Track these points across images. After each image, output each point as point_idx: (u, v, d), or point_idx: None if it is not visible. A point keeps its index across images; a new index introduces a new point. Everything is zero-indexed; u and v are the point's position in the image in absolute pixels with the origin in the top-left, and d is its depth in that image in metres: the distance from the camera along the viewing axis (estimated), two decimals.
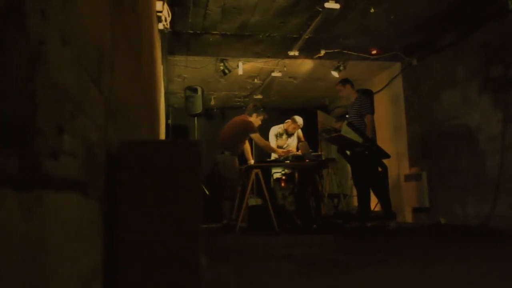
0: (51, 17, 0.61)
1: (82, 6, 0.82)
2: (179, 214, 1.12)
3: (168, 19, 4.42)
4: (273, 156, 5.96)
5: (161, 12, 3.95)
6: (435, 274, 2.01)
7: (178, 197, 1.12)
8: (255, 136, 5.47)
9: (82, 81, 0.82)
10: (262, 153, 6.75)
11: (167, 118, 8.71)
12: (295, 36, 5.42)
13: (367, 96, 5.58)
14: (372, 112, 5.18)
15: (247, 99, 8.27)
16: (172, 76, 6.99)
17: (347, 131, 4.66)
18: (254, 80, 7.20)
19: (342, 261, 2.54)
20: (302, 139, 6.20)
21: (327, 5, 4.47)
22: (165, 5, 4.24)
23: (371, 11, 4.73)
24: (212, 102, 8.35)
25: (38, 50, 0.56)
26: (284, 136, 6.17)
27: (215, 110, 8.86)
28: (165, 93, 7.56)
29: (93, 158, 0.95)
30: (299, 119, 6.03)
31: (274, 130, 6.23)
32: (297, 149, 6.04)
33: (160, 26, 4.38)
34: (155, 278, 1.08)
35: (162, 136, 7.36)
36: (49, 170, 0.60)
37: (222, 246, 3.70)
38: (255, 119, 5.62)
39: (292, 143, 6.17)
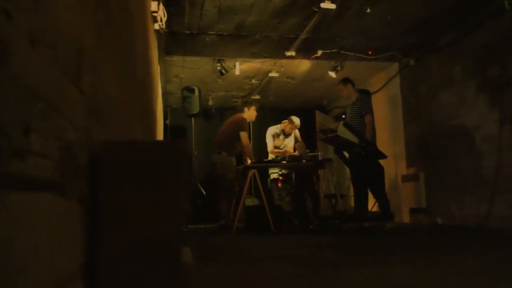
0: (17, 17, 0.60)
1: (57, 6, 0.81)
2: (162, 215, 1.11)
3: (164, 19, 4.42)
4: (270, 156, 5.97)
5: (156, 12, 3.95)
6: (430, 274, 2.01)
7: (161, 198, 1.11)
8: (243, 134, 5.41)
9: (57, 81, 0.82)
10: (262, 153, 6.75)
11: (165, 118, 8.71)
12: (291, 36, 5.41)
13: (367, 96, 5.58)
14: (372, 112, 5.17)
15: (245, 100, 8.26)
16: (169, 76, 6.98)
17: (343, 132, 4.65)
18: (251, 80, 7.19)
19: (337, 262, 2.53)
20: (300, 139, 6.19)
21: (323, 5, 4.46)
22: (161, 5, 4.23)
23: (367, 11, 4.72)
24: (210, 103, 8.35)
25: (1, 50, 0.56)
26: (281, 137, 6.17)
27: (213, 110, 8.86)
28: (163, 93, 7.56)
29: (72, 158, 0.94)
30: (296, 120, 6.02)
31: (271, 130, 6.22)
32: (294, 149, 6.04)
33: (156, 26, 4.37)
34: (137, 280, 1.08)
35: (160, 136, 7.36)
36: (13, 171, 0.60)
37: (217, 246, 3.69)
38: (249, 112, 5.62)
39: (289, 144, 6.16)
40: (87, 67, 1.08)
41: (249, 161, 5.59)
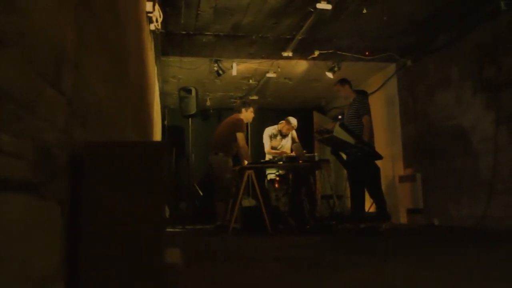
0: None
1: (31, 8, 0.81)
2: (143, 215, 1.11)
3: (160, 20, 4.42)
4: (267, 157, 5.96)
5: (151, 12, 3.95)
6: (424, 275, 2.00)
7: (142, 198, 1.11)
8: (240, 135, 5.39)
9: (31, 81, 0.82)
10: (259, 154, 6.75)
11: (163, 119, 8.71)
12: (288, 37, 5.42)
13: (365, 97, 5.57)
14: (369, 113, 5.15)
15: (243, 100, 8.26)
16: (167, 77, 6.99)
17: (339, 132, 4.65)
18: (249, 81, 7.19)
19: (331, 262, 2.53)
20: (297, 140, 6.19)
21: (319, 5, 4.46)
22: (156, 6, 4.23)
23: (363, 11, 4.72)
24: (208, 103, 8.36)
25: None
26: (278, 137, 6.17)
27: (211, 111, 8.86)
28: (161, 93, 7.56)
29: (49, 159, 0.94)
30: (293, 120, 6.02)
31: (268, 131, 6.22)
32: (292, 150, 6.04)
33: (152, 26, 4.38)
34: (118, 280, 1.08)
35: (158, 137, 7.36)
36: None
37: (212, 247, 3.69)
38: (246, 114, 5.60)
39: (286, 144, 6.16)
40: (68, 68, 1.08)
41: (245, 162, 5.59)
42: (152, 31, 4.57)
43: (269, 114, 8.19)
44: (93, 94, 1.48)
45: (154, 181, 1.15)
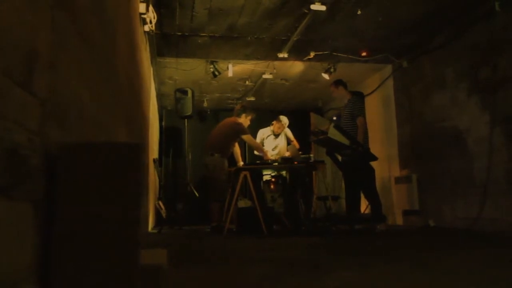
0: None
1: None
2: (118, 216, 1.11)
3: (154, 21, 4.42)
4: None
5: (144, 14, 3.95)
6: (410, 276, 2.00)
7: (115, 199, 1.11)
8: (247, 137, 5.54)
9: None
10: (256, 155, 6.74)
11: (160, 120, 8.72)
12: (283, 38, 5.42)
13: (360, 98, 5.57)
14: (364, 114, 5.15)
15: (240, 101, 8.26)
16: (163, 78, 6.99)
17: (333, 133, 4.64)
18: (245, 82, 7.19)
19: (321, 264, 2.53)
20: (292, 138, 6.20)
21: (313, 7, 4.46)
22: (150, 7, 4.23)
23: (358, 13, 4.72)
24: (205, 104, 8.36)
25: None
26: (272, 137, 6.18)
27: (208, 112, 8.86)
28: (157, 95, 7.56)
29: (19, 161, 0.94)
30: (283, 118, 6.06)
31: (261, 133, 6.25)
32: (288, 147, 6.06)
33: (146, 28, 4.38)
34: (91, 281, 1.07)
35: (155, 138, 7.37)
36: None
37: (205, 248, 3.69)
38: (244, 120, 5.63)
39: (280, 144, 6.16)
40: (42, 68, 1.08)
41: (241, 164, 5.61)
42: (147, 32, 4.57)
43: (267, 115, 8.18)
44: (75, 95, 1.47)
45: (129, 181, 1.14)
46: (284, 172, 5.87)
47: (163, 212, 6.22)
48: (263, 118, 7.63)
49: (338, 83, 5.34)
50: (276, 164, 5.37)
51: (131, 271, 1.08)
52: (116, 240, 1.10)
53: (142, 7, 3.85)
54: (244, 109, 5.71)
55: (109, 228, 1.10)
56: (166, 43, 5.53)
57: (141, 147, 1.15)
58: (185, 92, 6.40)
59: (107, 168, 1.14)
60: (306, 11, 4.65)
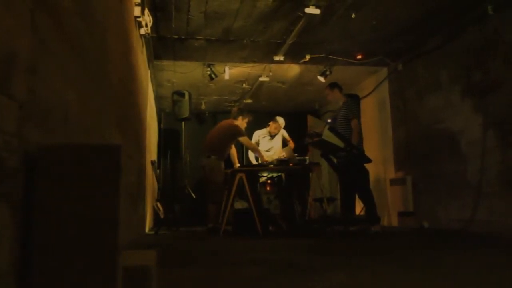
0: None
1: None
2: (98, 217, 1.14)
3: (150, 25, 4.46)
4: (260, 160, 6.00)
5: (140, 17, 3.99)
6: (400, 277, 2.02)
7: (94, 201, 1.14)
8: (244, 139, 5.56)
9: None
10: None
11: (159, 122, 8.76)
12: (279, 41, 5.45)
13: (354, 100, 5.59)
14: (358, 116, 5.17)
15: (237, 104, 8.30)
16: (161, 81, 7.03)
17: (328, 136, 4.67)
18: (242, 84, 7.23)
19: (315, 265, 2.54)
20: (288, 139, 6.23)
21: (307, 10, 4.50)
22: (146, 10, 4.28)
23: (352, 16, 4.75)
24: (203, 107, 8.40)
25: None
26: (267, 138, 6.22)
27: (206, 114, 8.90)
28: (156, 97, 7.60)
29: None
30: (280, 119, 6.09)
31: (257, 134, 6.28)
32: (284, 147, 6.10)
33: (142, 31, 4.42)
34: (70, 281, 1.10)
35: (153, 140, 7.41)
36: None
37: (199, 250, 3.71)
38: (241, 122, 5.67)
39: (276, 145, 6.19)
40: (21, 71, 1.11)
41: (237, 165, 5.64)
42: (143, 35, 4.61)
43: (264, 117, 8.21)
44: (59, 98, 1.51)
45: (109, 183, 1.17)
46: (280, 174, 5.89)
47: (161, 213, 6.25)
48: (261, 120, 7.65)
49: (333, 86, 5.36)
50: (272, 166, 5.40)
51: (110, 272, 1.11)
52: (95, 241, 1.13)
53: (137, 11, 3.89)
54: (241, 112, 5.74)
55: (88, 230, 1.13)
56: (163, 46, 5.57)
57: (121, 148, 1.18)
58: (182, 95, 6.44)
59: (86, 169, 1.17)
60: (300, 14, 4.69)
